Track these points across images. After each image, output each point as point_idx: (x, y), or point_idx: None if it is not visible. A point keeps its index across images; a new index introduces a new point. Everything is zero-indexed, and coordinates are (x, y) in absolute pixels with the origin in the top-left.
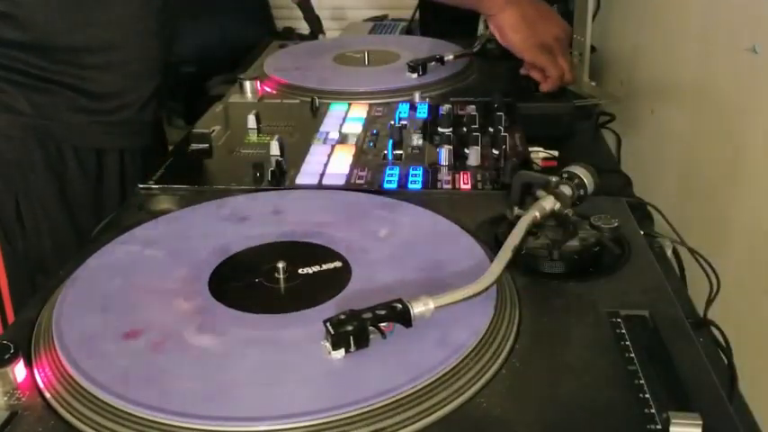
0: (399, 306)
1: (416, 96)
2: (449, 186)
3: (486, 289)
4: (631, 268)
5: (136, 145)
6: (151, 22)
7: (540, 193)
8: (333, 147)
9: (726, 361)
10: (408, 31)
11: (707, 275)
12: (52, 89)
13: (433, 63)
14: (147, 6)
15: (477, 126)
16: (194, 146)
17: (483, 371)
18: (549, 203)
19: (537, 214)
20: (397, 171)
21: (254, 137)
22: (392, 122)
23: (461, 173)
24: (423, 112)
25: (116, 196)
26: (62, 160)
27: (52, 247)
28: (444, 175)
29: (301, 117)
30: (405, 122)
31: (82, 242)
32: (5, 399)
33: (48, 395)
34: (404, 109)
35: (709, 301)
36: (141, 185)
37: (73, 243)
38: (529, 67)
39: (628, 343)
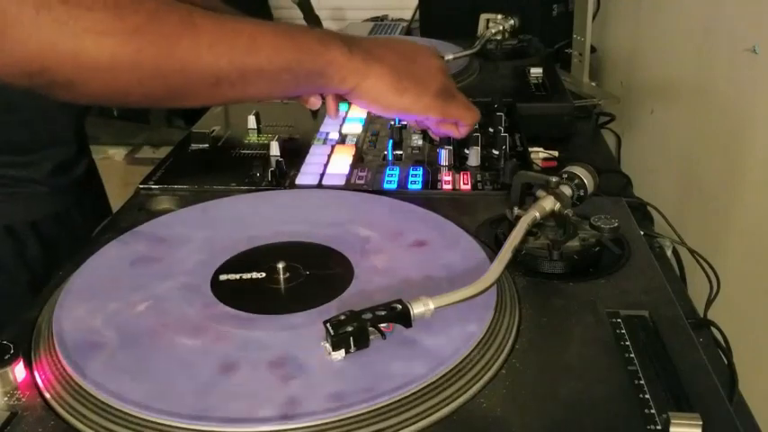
0: (399, 306)
1: None
2: (449, 186)
3: (487, 289)
4: (631, 268)
5: (52, 212)
6: None
7: (540, 193)
8: (333, 147)
9: (726, 361)
10: (408, 31)
11: (707, 275)
12: None
13: None
14: None
15: (477, 126)
16: (194, 146)
17: (483, 371)
18: (549, 203)
19: (537, 214)
20: (397, 171)
21: (254, 137)
22: (392, 122)
23: (461, 173)
24: None
25: (37, 268)
26: None
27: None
28: (444, 175)
29: (301, 117)
30: (405, 123)
31: None
32: (5, 399)
33: (48, 395)
34: None
35: (709, 301)
36: (141, 185)
37: None
38: (437, 128)
39: (628, 343)
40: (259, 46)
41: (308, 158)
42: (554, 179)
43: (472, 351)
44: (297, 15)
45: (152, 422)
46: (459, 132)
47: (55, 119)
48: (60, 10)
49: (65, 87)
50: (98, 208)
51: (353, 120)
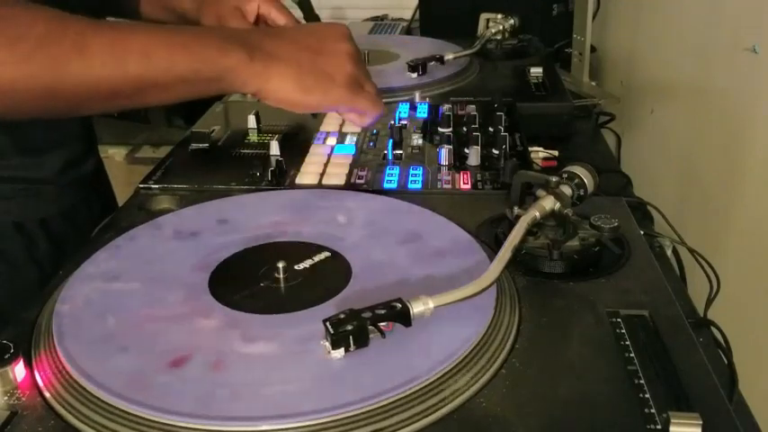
0: (399, 305)
1: (416, 96)
2: (449, 186)
3: (486, 288)
4: (631, 268)
5: (58, 210)
6: None
7: (539, 192)
8: (333, 147)
9: (726, 361)
10: (408, 31)
11: (707, 275)
12: None
13: (433, 63)
14: None
15: (477, 126)
16: (194, 146)
17: (483, 371)
18: (548, 203)
19: (537, 214)
20: (397, 171)
21: (254, 137)
22: (392, 122)
23: (461, 173)
24: (423, 111)
25: (46, 264)
26: None
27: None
28: (444, 175)
29: (301, 117)
30: (405, 122)
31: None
32: (5, 399)
33: (48, 395)
34: (404, 109)
35: (709, 301)
36: (141, 185)
37: None
38: (342, 114)
39: (628, 343)
40: (153, 60)
41: (308, 158)
42: (554, 179)
43: (472, 350)
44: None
45: (153, 421)
46: (362, 122)
47: (65, 119)
48: None
49: None
50: (106, 205)
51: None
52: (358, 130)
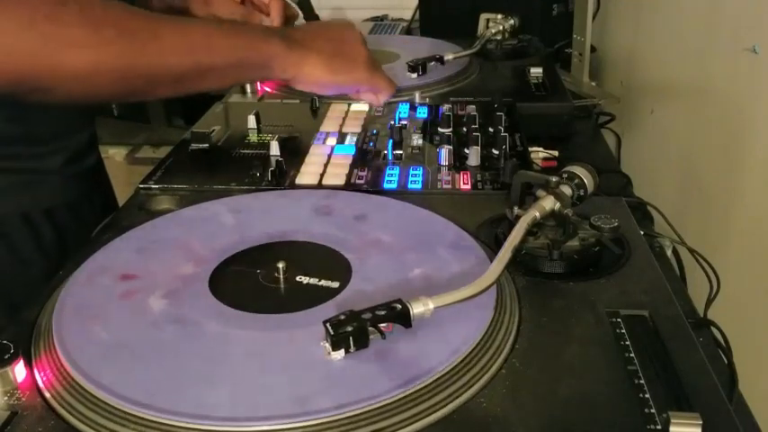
0: (399, 306)
1: (416, 96)
2: (449, 186)
3: (486, 289)
4: (631, 268)
5: (65, 200)
6: None
7: (540, 192)
8: (333, 147)
9: (726, 361)
10: (408, 31)
11: (707, 275)
12: None
13: (433, 63)
14: None
15: (477, 126)
16: (194, 146)
17: (483, 371)
18: (548, 203)
19: (537, 214)
20: (397, 171)
21: (254, 137)
22: (392, 122)
23: (461, 173)
24: (423, 112)
25: (52, 255)
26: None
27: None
28: (444, 175)
29: (301, 117)
30: (405, 122)
31: (8, 314)
32: (5, 399)
33: (48, 395)
34: (404, 109)
35: (709, 301)
36: (141, 185)
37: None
38: (359, 95)
39: (628, 343)
40: (214, 46)
41: (308, 158)
42: (554, 179)
43: (472, 351)
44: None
45: (153, 421)
46: (378, 100)
47: (70, 110)
48: (44, 26)
49: (45, 92)
50: (106, 203)
51: (353, 120)
52: (358, 130)
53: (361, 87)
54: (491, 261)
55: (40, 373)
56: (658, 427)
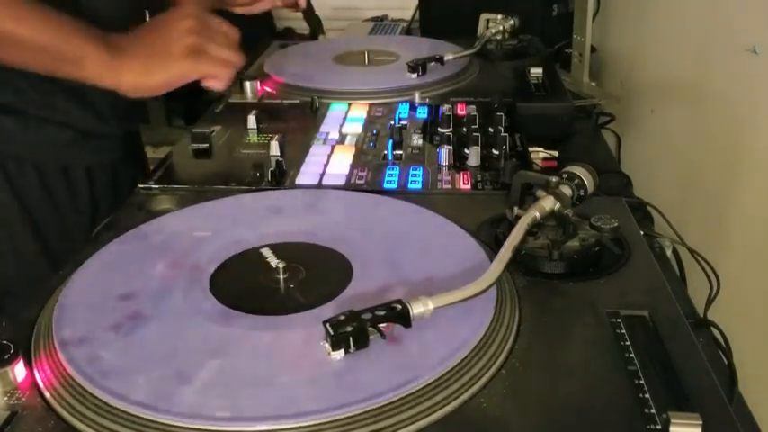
0: (399, 306)
1: (416, 96)
2: (449, 186)
3: (486, 289)
4: (631, 268)
5: (105, 160)
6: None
7: (539, 193)
8: (333, 147)
9: (726, 361)
10: (408, 31)
11: (707, 275)
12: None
13: (433, 63)
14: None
15: (477, 126)
16: (194, 146)
17: (483, 371)
18: (548, 203)
19: (537, 214)
20: (397, 171)
21: (254, 137)
22: (392, 122)
23: (461, 173)
24: (423, 112)
25: (87, 214)
26: (24, 179)
27: (18, 270)
28: (444, 175)
29: (301, 117)
30: (405, 122)
31: (50, 265)
32: (5, 399)
33: (48, 395)
34: (404, 109)
35: (709, 301)
36: (141, 185)
37: (41, 266)
38: (204, 83)
39: (628, 343)
40: (25, 19)
41: (308, 158)
42: (554, 179)
43: (472, 351)
44: (297, 15)
45: (152, 421)
46: (218, 84)
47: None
48: None
49: None
50: (140, 163)
51: (353, 119)
52: (358, 130)
53: (189, 79)
54: (491, 261)
55: (39, 373)
56: (658, 426)
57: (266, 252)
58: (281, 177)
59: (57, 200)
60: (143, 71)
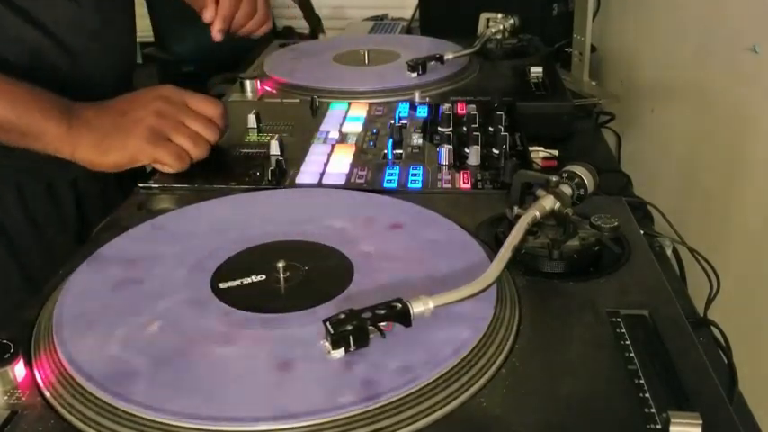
0: (399, 305)
1: (416, 96)
2: (449, 186)
3: (486, 288)
4: (631, 268)
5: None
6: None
7: (539, 192)
8: (333, 146)
9: (726, 361)
10: (408, 30)
11: (707, 275)
12: None
13: (433, 62)
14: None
15: (477, 125)
16: None
17: (483, 371)
18: (548, 203)
19: (537, 213)
20: (397, 170)
21: (254, 136)
22: (392, 122)
23: (461, 172)
24: (423, 111)
25: (71, 231)
26: (1, 202)
27: None
28: (444, 174)
29: (301, 117)
30: (405, 122)
31: (29, 288)
32: (5, 398)
33: (48, 395)
34: (404, 108)
35: (709, 301)
36: (141, 185)
37: (19, 289)
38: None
39: (628, 342)
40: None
41: (308, 157)
42: (554, 178)
43: (472, 350)
44: (297, 15)
45: (152, 420)
46: (166, 169)
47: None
48: None
49: None
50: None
51: (353, 119)
52: (358, 129)
53: (140, 163)
54: (491, 260)
55: (39, 373)
56: (658, 426)
57: (267, 252)
58: (281, 177)
59: (40, 223)
60: (96, 149)
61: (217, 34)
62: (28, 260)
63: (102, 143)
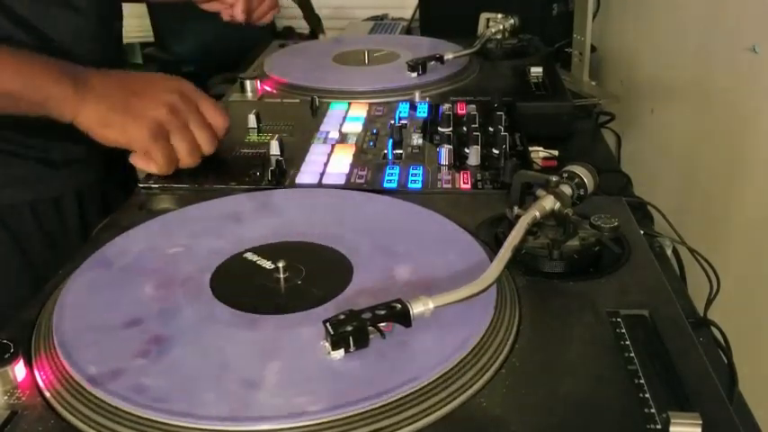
0: (399, 306)
1: (416, 96)
2: (449, 186)
3: (486, 289)
4: (631, 268)
5: (92, 180)
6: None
7: (539, 192)
8: (333, 146)
9: (726, 361)
10: (408, 30)
11: (707, 275)
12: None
13: (433, 62)
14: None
15: (477, 125)
16: None
17: (483, 371)
18: (548, 203)
19: (537, 214)
20: (397, 171)
21: (254, 136)
22: (392, 122)
23: (461, 172)
24: (423, 111)
25: (77, 237)
26: (17, 216)
27: (8, 303)
28: (444, 174)
29: (301, 117)
30: (405, 122)
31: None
32: (5, 398)
33: (48, 395)
34: (404, 108)
35: (709, 301)
36: (141, 185)
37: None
38: (134, 156)
39: (628, 343)
40: None
41: (308, 157)
42: (554, 178)
43: (472, 350)
44: (297, 15)
45: (152, 420)
46: (150, 168)
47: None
48: None
49: None
50: (127, 178)
51: (353, 119)
52: (359, 129)
53: (133, 149)
54: (491, 261)
55: (39, 373)
56: (658, 426)
57: (267, 251)
58: (281, 177)
59: (50, 234)
60: (100, 121)
61: (241, 15)
62: (40, 265)
63: (107, 116)
